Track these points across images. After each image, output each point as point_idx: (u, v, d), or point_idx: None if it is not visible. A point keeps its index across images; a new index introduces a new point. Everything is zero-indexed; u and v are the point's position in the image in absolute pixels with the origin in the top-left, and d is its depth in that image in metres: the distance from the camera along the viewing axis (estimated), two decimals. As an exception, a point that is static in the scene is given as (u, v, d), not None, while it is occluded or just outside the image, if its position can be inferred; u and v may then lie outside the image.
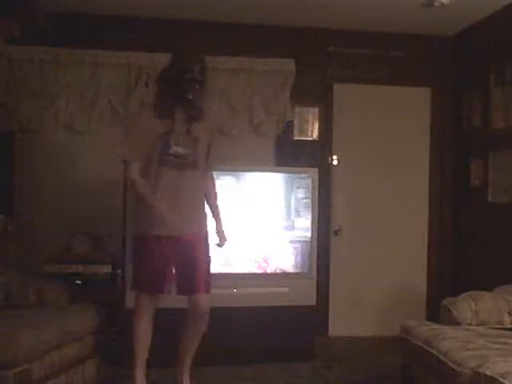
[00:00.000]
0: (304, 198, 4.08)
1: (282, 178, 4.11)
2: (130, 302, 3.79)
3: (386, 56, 4.84)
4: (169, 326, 3.80)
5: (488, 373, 2.41)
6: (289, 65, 4.64)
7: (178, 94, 3.02)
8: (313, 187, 4.08)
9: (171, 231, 3.01)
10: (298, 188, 4.09)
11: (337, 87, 4.82)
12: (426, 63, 4.88)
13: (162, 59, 4.41)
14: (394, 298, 4.84)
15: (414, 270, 4.92)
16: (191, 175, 3.06)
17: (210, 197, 3.28)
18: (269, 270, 4.03)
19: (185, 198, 3.04)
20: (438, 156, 4.95)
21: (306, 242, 4.05)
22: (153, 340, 3.30)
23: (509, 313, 3.32)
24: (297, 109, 4.71)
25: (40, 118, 4.40)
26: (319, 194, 4.14)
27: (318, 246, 4.13)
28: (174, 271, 3.09)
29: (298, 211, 4.08)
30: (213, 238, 3.25)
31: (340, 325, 4.76)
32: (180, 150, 3.01)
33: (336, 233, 4.80)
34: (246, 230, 3.99)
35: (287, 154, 4.69)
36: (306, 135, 4.76)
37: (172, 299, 3.31)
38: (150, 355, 3.30)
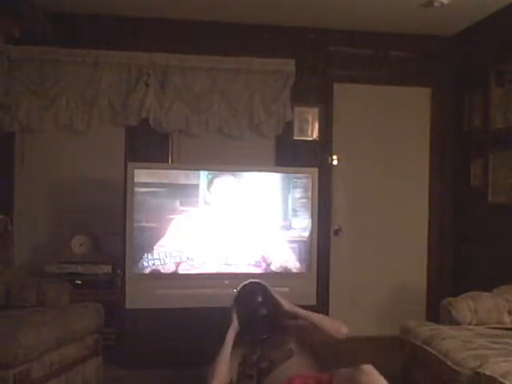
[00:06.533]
0: (304, 198, 4.08)
1: (282, 177, 4.11)
2: (130, 302, 3.80)
3: (386, 56, 4.84)
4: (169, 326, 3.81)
5: (488, 373, 2.42)
6: (289, 65, 4.64)
7: None
8: (313, 187, 4.08)
9: None
10: (297, 188, 4.09)
11: (337, 87, 4.81)
12: (426, 63, 4.88)
13: (162, 59, 4.47)
14: (394, 298, 4.84)
15: (414, 270, 4.92)
16: None
17: None
18: (269, 270, 4.03)
19: None
20: (438, 156, 4.94)
21: (305, 241, 4.06)
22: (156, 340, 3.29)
23: (508, 312, 3.33)
24: (297, 109, 4.70)
25: (40, 118, 4.40)
26: (319, 194, 4.14)
27: (318, 246, 4.12)
28: None
29: (299, 211, 4.08)
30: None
31: (340, 325, 4.75)
32: None
33: (336, 233, 4.80)
34: (246, 230, 4.00)
35: (287, 154, 4.69)
36: (306, 135, 4.76)
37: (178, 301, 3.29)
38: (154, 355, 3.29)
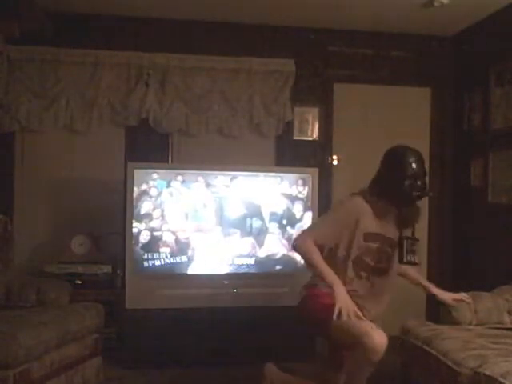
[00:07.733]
0: (304, 198, 4.08)
1: (282, 177, 4.11)
2: (130, 302, 3.80)
3: (386, 56, 4.84)
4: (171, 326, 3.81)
5: (488, 373, 2.41)
6: (289, 65, 4.64)
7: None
8: (313, 187, 4.08)
9: None
10: (298, 188, 4.09)
11: (337, 87, 4.81)
12: (426, 63, 4.88)
13: (162, 59, 4.47)
14: (394, 298, 4.82)
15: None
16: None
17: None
18: (269, 270, 4.03)
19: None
20: (438, 156, 4.94)
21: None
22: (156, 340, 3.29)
23: (508, 312, 3.32)
24: (297, 109, 4.70)
25: (40, 118, 4.40)
26: (319, 193, 4.14)
27: (318, 246, 4.12)
28: None
29: (299, 211, 4.08)
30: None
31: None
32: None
33: (336, 233, 4.79)
34: (246, 230, 3.99)
35: (287, 154, 4.69)
36: (306, 135, 4.76)
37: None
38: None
